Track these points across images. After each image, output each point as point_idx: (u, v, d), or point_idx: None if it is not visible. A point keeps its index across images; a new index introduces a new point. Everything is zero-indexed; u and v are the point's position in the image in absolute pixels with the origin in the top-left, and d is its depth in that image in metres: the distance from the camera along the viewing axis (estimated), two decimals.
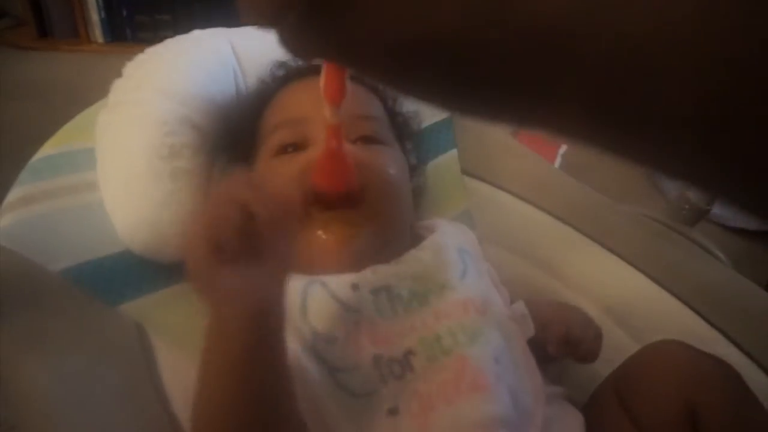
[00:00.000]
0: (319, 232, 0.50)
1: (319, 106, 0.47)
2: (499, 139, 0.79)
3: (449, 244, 0.55)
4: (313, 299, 0.47)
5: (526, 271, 0.71)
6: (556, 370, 0.60)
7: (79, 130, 0.59)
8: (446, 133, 0.79)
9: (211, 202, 0.37)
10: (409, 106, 0.68)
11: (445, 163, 0.76)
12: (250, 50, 0.65)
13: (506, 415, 0.43)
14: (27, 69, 1.86)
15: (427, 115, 0.78)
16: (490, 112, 0.20)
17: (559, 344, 0.50)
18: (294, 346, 0.44)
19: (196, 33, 0.64)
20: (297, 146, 0.54)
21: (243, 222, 0.35)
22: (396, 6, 0.18)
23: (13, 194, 0.53)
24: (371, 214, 0.51)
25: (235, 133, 0.60)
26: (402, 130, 0.64)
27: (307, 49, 0.22)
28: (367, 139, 0.55)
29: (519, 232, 0.73)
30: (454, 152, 0.77)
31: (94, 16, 1.94)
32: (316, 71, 0.57)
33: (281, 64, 0.63)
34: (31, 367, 0.43)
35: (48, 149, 0.57)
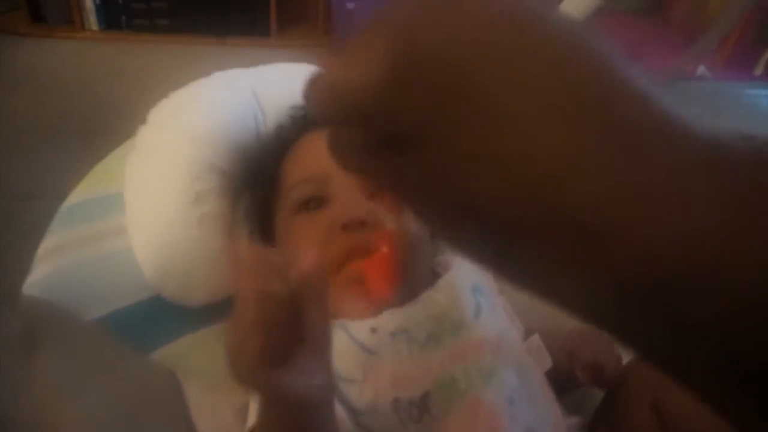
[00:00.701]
0: (345, 289, 0.50)
1: None
2: None
3: (463, 283, 0.56)
4: (333, 341, 0.48)
5: None
6: (576, 399, 0.60)
7: (106, 174, 0.60)
8: None
9: (243, 304, 0.34)
10: None
11: None
12: (270, 93, 0.66)
13: None
14: (20, 55, 1.83)
15: None
16: (531, 284, 0.20)
17: (586, 371, 0.51)
18: None
19: (218, 75, 0.65)
20: (318, 201, 0.55)
21: (284, 315, 0.34)
22: (459, 169, 0.18)
23: (47, 243, 0.54)
24: (397, 270, 0.50)
25: (255, 178, 0.61)
26: None
27: (359, 166, 0.23)
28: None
29: None
30: None
31: (89, 2, 1.91)
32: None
33: (299, 108, 0.64)
34: (70, 416, 0.45)
35: (77, 195, 0.58)
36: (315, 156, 0.56)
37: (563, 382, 0.52)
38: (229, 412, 0.54)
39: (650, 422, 0.49)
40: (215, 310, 0.58)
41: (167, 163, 0.57)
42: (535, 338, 0.54)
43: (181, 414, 0.51)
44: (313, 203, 0.54)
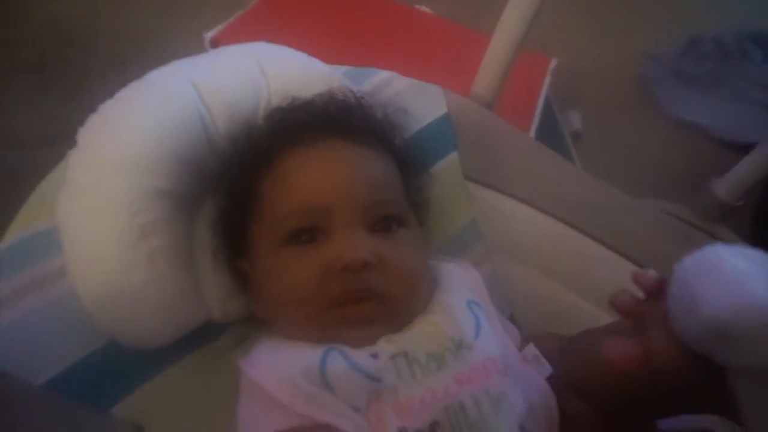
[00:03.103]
0: (339, 326, 0.48)
1: (337, 191, 0.50)
2: (500, 136, 0.72)
3: (458, 299, 0.53)
4: (333, 367, 0.45)
5: (540, 284, 0.68)
6: None
7: (39, 207, 0.54)
8: (445, 132, 0.72)
9: None
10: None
11: (445, 169, 0.70)
12: (215, 87, 0.57)
13: None
14: None
15: (422, 113, 0.71)
16: None
17: None
18: (320, 413, 0.43)
19: (152, 76, 0.57)
20: (313, 233, 0.51)
21: None
22: None
23: None
24: (394, 309, 0.50)
25: (225, 188, 0.56)
26: (419, 192, 0.61)
27: None
28: (389, 226, 0.53)
29: (529, 243, 0.69)
30: (454, 156, 0.71)
31: None
32: (327, 130, 0.54)
33: (279, 113, 0.57)
34: None
35: (10, 237, 0.52)
36: (308, 183, 0.52)
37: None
38: None
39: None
40: (176, 346, 0.53)
41: (101, 200, 0.50)
42: (531, 348, 0.51)
43: None
44: (307, 235, 0.50)
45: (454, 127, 0.72)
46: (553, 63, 1.26)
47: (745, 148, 1.14)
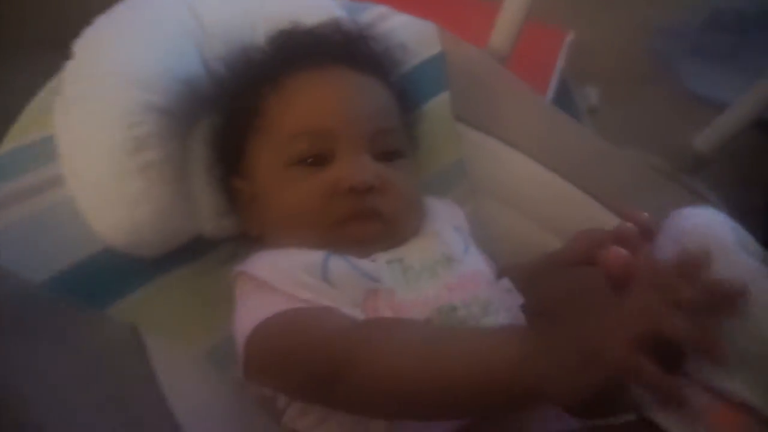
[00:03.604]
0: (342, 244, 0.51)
1: (344, 115, 0.52)
2: (492, 79, 0.73)
3: (445, 226, 0.57)
4: (334, 265, 0.49)
5: (520, 225, 0.70)
6: None
7: (36, 118, 0.55)
8: (438, 71, 0.73)
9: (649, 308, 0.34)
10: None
11: (435, 108, 0.71)
12: (212, 9, 0.58)
13: None
14: None
15: (417, 50, 0.72)
16: None
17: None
18: (321, 300, 0.46)
19: None
20: (320, 157, 0.53)
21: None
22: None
23: None
24: (393, 229, 0.53)
25: (227, 104, 0.57)
26: (411, 126, 0.63)
27: None
28: (390, 155, 0.55)
29: (512, 184, 0.71)
30: (445, 95, 0.72)
31: None
32: (333, 57, 0.56)
33: (285, 35, 0.58)
34: (26, 397, 0.44)
35: (8, 145, 0.54)
36: (318, 106, 0.54)
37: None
38: (192, 360, 0.54)
39: None
40: (169, 258, 0.56)
41: (98, 110, 0.52)
42: (505, 281, 0.54)
43: (144, 367, 0.50)
44: (313, 158, 0.52)
45: (449, 67, 0.73)
46: (570, 37, 1.24)
47: (765, 124, 1.11)
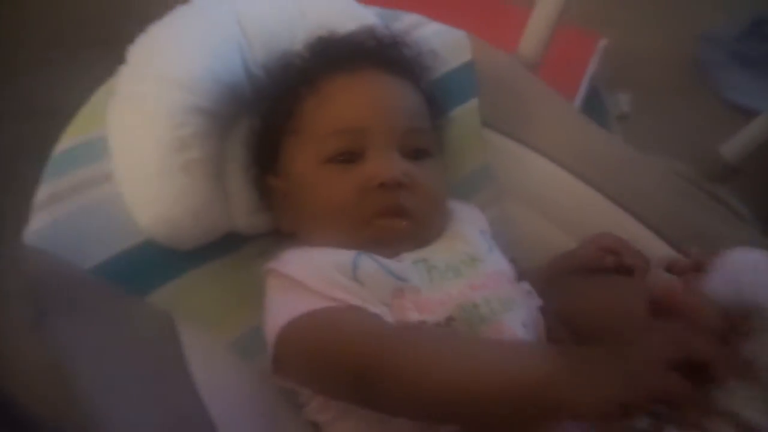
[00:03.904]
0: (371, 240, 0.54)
1: (376, 113, 0.55)
2: (521, 86, 0.74)
3: (470, 228, 0.59)
4: (363, 264, 0.51)
5: (545, 229, 0.72)
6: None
7: (91, 117, 0.60)
8: (468, 78, 0.75)
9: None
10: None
11: (464, 114, 0.74)
12: (256, 19, 0.62)
13: None
14: None
15: (448, 57, 0.74)
16: None
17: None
18: (351, 299, 0.48)
19: (197, 2, 0.61)
20: (351, 154, 0.55)
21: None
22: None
23: (41, 193, 0.55)
24: (420, 227, 0.56)
25: (265, 107, 0.61)
26: (439, 131, 0.66)
27: None
28: (419, 153, 0.58)
29: (538, 189, 0.72)
30: (474, 102, 0.74)
31: None
32: (367, 61, 0.59)
33: (320, 41, 0.61)
34: (76, 368, 0.49)
35: (66, 141, 0.58)
36: (351, 105, 0.56)
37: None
38: (220, 348, 0.58)
39: None
40: (205, 251, 0.60)
41: (147, 111, 0.56)
42: (524, 284, 0.56)
43: (177, 350, 0.54)
44: (346, 156, 0.55)
45: (478, 74, 0.75)
46: (603, 42, 1.23)
47: None
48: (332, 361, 0.46)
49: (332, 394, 0.50)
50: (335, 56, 0.60)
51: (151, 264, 0.57)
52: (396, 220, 0.54)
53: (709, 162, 0.86)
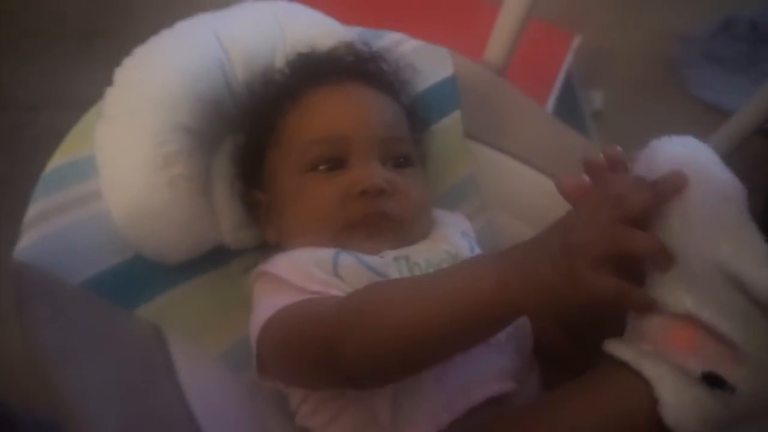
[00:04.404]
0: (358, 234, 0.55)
1: (356, 122, 0.57)
2: (501, 98, 0.76)
3: (453, 231, 0.61)
4: (343, 261, 0.52)
5: (525, 233, 0.71)
6: None
7: (81, 137, 0.62)
8: (450, 92, 0.76)
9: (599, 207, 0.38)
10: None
11: (447, 126, 0.75)
12: (237, 39, 0.64)
13: (513, 368, 0.51)
14: None
15: (430, 72, 0.76)
16: None
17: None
18: (331, 292, 0.49)
19: (181, 25, 0.64)
20: (334, 162, 0.57)
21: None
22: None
23: (32, 211, 0.57)
24: (403, 232, 0.57)
25: (249, 122, 0.63)
26: (420, 144, 0.67)
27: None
28: (399, 162, 0.60)
29: (523, 198, 0.73)
30: (457, 114, 0.76)
31: None
32: (347, 75, 0.61)
33: (300, 57, 0.64)
34: (62, 379, 0.50)
35: (56, 161, 0.60)
36: (332, 115, 0.58)
37: None
38: (208, 361, 0.58)
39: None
40: (193, 266, 0.61)
41: (132, 129, 0.58)
42: None
43: (164, 364, 0.55)
44: (328, 164, 0.57)
45: (460, 87, 0.76)
46: (577, 40, 1.26)
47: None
48: (302, 343, 0.46)
49: (311, 381, 0.50)
50: (315, 71, 0.62)
51: (139, 279, 0.58)
52: (378, 227, 0.56)
53: None
